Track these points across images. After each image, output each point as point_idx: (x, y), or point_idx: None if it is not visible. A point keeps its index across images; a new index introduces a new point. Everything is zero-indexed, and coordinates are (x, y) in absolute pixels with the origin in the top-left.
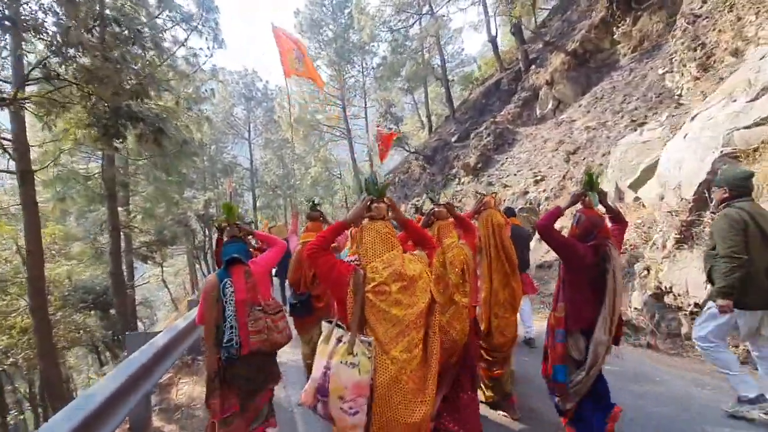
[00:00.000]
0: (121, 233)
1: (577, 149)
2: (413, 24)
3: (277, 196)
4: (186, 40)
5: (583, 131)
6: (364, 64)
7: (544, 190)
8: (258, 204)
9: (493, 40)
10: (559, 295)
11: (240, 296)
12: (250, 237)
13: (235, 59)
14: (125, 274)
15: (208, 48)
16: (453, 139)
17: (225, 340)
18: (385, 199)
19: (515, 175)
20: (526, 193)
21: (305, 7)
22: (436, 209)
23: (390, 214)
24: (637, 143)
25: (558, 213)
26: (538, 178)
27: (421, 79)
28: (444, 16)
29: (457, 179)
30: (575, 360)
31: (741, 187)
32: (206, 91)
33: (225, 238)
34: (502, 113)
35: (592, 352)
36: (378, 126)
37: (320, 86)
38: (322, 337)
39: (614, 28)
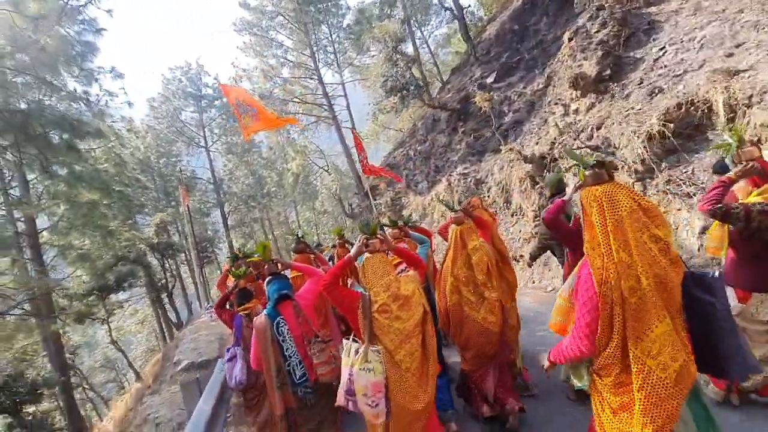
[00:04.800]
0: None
1: None
2: None
3: (251, 209)
4: None
5: None
6: (335, 26)
7: None
8: (230, 222)
9: None
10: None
11: (296, 332)
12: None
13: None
14: (52, 346)
15: None
16: (490, 80)
17: (298, 378)
18: (378, 235)
19: (729, 56)
20: None
21: None
22: (452, 215)
23: (384, 245)
24: None
25: (563, 205)
26: None
27: (424, 11)
28: None
29: (560, 107)
30: None
31: (556, 186)
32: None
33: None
34: None
35: None
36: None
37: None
38: (344, 352)
39: None
